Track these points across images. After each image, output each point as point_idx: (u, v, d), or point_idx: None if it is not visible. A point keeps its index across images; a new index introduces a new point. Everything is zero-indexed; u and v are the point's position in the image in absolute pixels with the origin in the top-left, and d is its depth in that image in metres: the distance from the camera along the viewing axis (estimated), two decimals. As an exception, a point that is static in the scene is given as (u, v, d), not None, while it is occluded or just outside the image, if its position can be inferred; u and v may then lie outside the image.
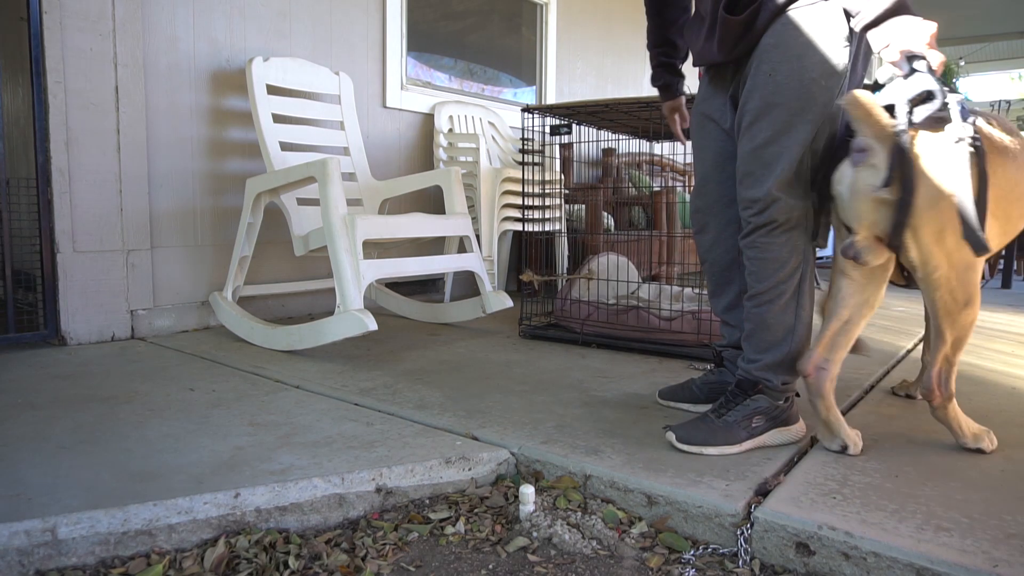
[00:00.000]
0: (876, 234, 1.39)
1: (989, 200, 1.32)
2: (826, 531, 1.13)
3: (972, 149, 1.29)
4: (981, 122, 1.38)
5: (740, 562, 1.18)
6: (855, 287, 1.49)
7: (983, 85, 12.18)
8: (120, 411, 1.73)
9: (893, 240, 1.36)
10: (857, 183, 1.38)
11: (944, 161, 1.31)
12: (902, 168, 1.31)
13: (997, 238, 1.44)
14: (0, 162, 2.31)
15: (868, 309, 1.51)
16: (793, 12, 1.46)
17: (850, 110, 1.35)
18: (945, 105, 1.29)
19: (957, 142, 1.30)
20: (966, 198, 1.29)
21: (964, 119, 1.30)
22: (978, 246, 1.30)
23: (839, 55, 1.45)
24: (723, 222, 1.70)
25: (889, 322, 3.20)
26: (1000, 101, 11.40)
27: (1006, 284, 4.98)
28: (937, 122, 1.31)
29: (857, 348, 1.58)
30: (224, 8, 2.83)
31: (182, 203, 2.77)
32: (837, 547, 1.11)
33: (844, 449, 1.48)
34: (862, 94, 1.34)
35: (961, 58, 9.21)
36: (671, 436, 1.49)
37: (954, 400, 1.48)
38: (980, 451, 1.48)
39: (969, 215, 1.29)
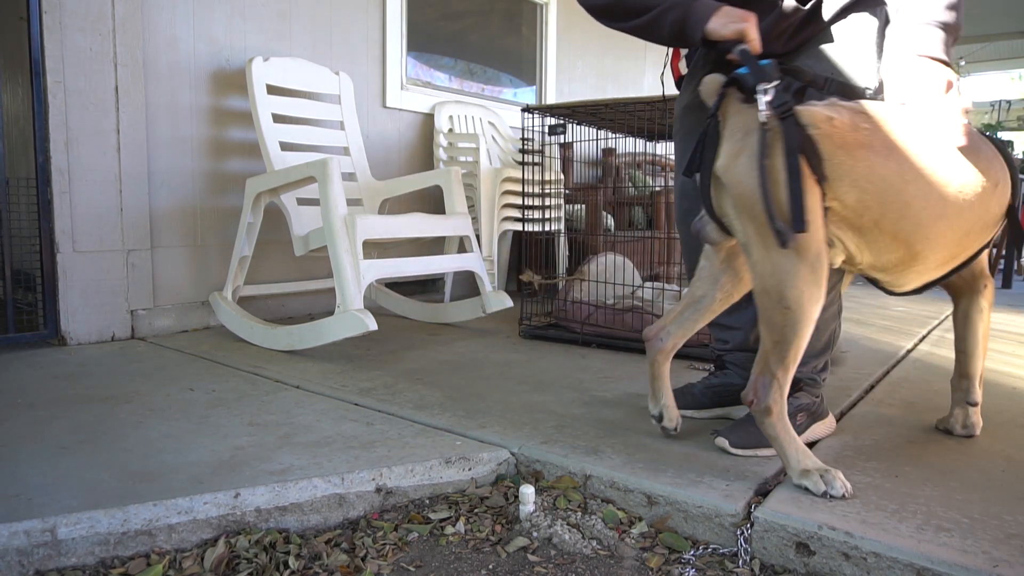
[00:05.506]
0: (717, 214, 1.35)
1: (853, 205, 1.22)
2: (826, 531, 1.13)
3: (773, 132, 1.20)
4: (813, 108, 1.24)
5: (740, 562, 1.18)
6: (710, 270, 1.48)
7: (983, 85, 12.15)
8: (120, 411, 1.73)
9: (713, 218, 1.34)
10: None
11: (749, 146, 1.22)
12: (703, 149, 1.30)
13: (903, 264, 1.29)
14: (0, 162, 2.31)
15: (722, 294, 1.47)
16: (857, 16, 1.42)
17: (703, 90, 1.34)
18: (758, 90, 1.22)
19: (761, 126, 1.20)
20: (762, 185, 1.19)
21: (775, 104, 1.20)
22: (781, 237, 1.18)
23: (874, 70, 1.42)
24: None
25: (889, 322, 3.20)
26: (1000, 101, 11.41)
27: (1006, 284, 4.97)
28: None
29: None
30: (224, 8, 2.82)
31: (182, 203, 2.77)
32: (837, 547, 1.11)
33: (660, 419, 1.53)
34: (716, 77, 1.31)
35: (961, 58, 9.19)
36: (723, 442, 1.45)
37: (781, 417, 1.27)
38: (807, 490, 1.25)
39: (767, 204, 1.18)
